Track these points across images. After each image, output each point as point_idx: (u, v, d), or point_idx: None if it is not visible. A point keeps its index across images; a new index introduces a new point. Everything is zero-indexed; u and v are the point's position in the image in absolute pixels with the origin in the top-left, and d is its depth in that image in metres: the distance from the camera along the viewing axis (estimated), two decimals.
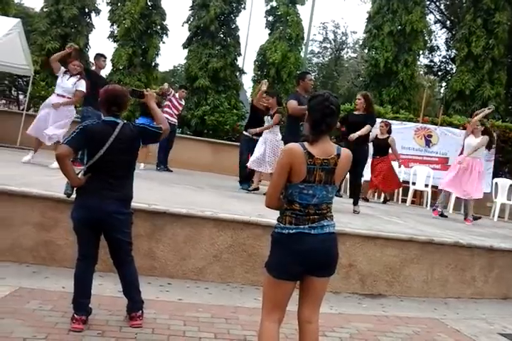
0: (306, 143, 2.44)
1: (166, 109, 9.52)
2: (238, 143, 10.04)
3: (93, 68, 7.92)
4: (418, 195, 11.29)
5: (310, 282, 2.50)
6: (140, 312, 3.24)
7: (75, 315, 3.04)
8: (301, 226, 2.41)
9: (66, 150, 3.02)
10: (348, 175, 7.22)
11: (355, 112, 7.29)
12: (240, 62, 18.62)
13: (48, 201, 4.22)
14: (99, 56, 8.20)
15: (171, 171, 9.78)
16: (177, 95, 9.94)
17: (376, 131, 10.12)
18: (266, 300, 2.54)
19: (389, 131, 9.78)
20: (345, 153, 2.50)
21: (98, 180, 3.11)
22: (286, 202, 2.47)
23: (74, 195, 3.18)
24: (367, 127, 6.77)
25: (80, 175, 3.15)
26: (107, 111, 3.21)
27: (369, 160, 9.90)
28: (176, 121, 9.98)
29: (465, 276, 5.16)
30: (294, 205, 2.43)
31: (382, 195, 10.39)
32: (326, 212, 2.47)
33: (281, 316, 2.54)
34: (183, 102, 10.31)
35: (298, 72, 17.19)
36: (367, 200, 9.67)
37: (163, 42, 17.31)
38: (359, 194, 7.24)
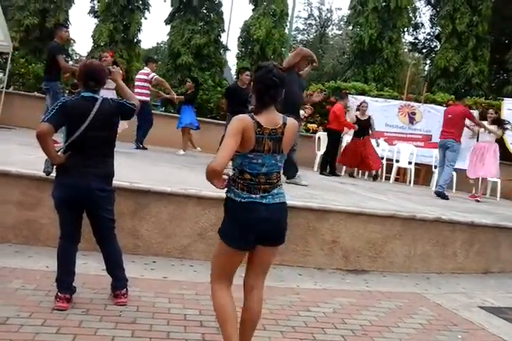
0: (252, 114, 2.47)
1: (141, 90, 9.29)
2: (223, 122, 9.97)
3: (55, 40, 7.54)
4: (402, 173, 11.36)
5: (258, 250, 2.52)
6: (124, 290, 3.24)
7: (59, 294, 3.03)
8: (253, 195, 2.43)
9: (46, 128, 2.95)
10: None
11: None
12: (224, 38, 18.41)
13: (27, 180, 4.15)
14: (61, 26, 7.91)
15: (146, 149, 9.59)
16: (149, 69, 9.57)
17: (355, 112, 10.18)
18: (215, 267, 2.58)
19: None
20: (291, 122, 2.53)
21: (78, 157, 3.06)
22: (237, 172, 2.49)
23: (54, 173, 3.13)
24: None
25: (59, 153, 3.10)
26: (85, 86, 3.14)
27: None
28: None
29: (446, 251, 5.24)
30: (245, 175, 2.45)
31: (371, 172, 10.45)
32: (276, 181, 2.50)
33: (230, 283, 2.56)
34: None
35: (283, 49, 17.09)
36: (352, 176, 9.78)
37: (145, 18, 17.11)
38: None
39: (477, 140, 9.05)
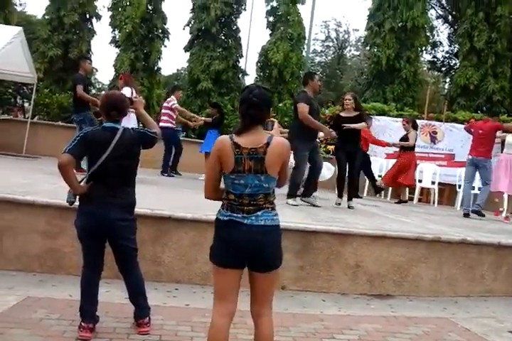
0: (234, 135, 2.49)
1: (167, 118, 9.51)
2: None
3: (80, 72, 7.81)
4: (425, 193, 11.22)
5: (252, 276, 2.51)
6: (147, 318, 3.24)
7: (82, 323, 3.04)
8: (235, 214, 2.44)
9: (68, 159, 3.01)
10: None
11: (344, 113, 7.22)
12: (242, 63, 18.69)
13: (52, 209, 4.23)
14: (85, 59, 8.18)
15: (180, 175, 9.77)
16: (173, 98, 9.79)
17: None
18: (214, 290, 2.57)
19: (414, 127, 9.66)
20: (278, 141, 2.50)
21: (100, 187, 3.10)
22: (225, 192, 2.52)
23: (77, 203, 3.18)
24: (362, 123, 6.85)
25: (82, 183, 3.15)
26: (107, 116, 3.21)
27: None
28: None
29: (474, 274, 5.11)
30: (229, 195, 2.48)
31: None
32: (262, 203, 2.47)
33: (231, 308, 2.50)
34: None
35: (301, 72, 17.23)
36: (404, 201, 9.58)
37: (165, 46, 17.49)
38: (354, 189, 7.23)
39: (501, 151, 8.88)
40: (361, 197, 9.68)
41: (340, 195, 7.19)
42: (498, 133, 8.50)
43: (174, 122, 9.64)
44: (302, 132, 6.54)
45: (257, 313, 2.55)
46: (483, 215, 7.87)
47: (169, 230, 4.43)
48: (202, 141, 11.00)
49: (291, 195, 6.68)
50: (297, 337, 3.44)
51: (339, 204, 7.05)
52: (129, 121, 6.72)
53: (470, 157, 8.26)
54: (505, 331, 4.07)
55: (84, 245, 3.16)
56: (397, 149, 9.83)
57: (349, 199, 7.10)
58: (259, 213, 2.44)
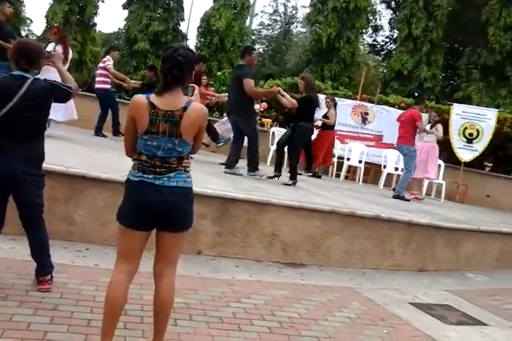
0: (152, 95, 2.43)
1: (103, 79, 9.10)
2: None
3: None
4: (352, 171, 11.53)
5: (160, 235, 2.49)
6: (49, 276, 3.13)
7: None
8: (145, 175, 2.40)
9: None
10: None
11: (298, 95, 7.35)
12: (183, 27, 18.17)
13: None
14: (3, 2, 7.60)
15: (105, 136, 9.43)
16: (110, 58, 9.36)
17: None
18: (117, 250, 2.54)
19: (335, 106, 9.92)
20: (195, 106, 2.46)
21: (5, 138, 2.92)
22: (137, 152, 2.47)
23: None
24: (292, 101, 6.91)
25: None
26: (16, 63, 3.01)
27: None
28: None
29: (384, 248, 5.34)
30: (142, 156, 2.44)
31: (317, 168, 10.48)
32: (175, 165, 2.44)
33: (132, 269, 2.49)
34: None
35: (241, 43, 17.02)
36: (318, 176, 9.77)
37: (103, 1, 16.60)
38: (292, 167, 7.26)
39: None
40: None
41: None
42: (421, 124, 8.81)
43: (110, 82, 9.26)
44: (249, 105, 6.70)
45: (159, 273, 2.52)
46: (408, 200, 8.12)
47: (83, 189, 4.27)
48: None
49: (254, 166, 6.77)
50: (204, 300, 3.46)
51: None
52: (49, 75, 6.37)
53: (396, 145, 8.72)
54: (405, 302, 4.30)
55: None
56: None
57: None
58: (171, 174, 2.41)
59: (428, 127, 9.07)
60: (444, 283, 5.25)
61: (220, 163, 7.81)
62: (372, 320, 3.69)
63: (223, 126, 8.91)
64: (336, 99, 11.83)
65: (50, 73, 4.26)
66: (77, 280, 3.39)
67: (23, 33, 21.87)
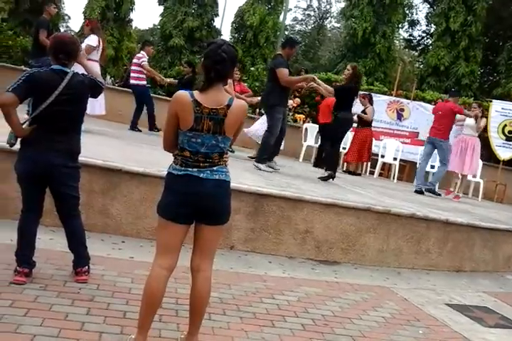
0: (195, 92, 2.41)
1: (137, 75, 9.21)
2: None
3: (44, 15, 7.50)
4: (386, 168, 11.37)
5: (199, 228, 2.49)
6: (86, 267, 3.18)
7: (18, 268, 2.97)
8: (190, 169, 2.40)
9: (11, 99, 2.83)
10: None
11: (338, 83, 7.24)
12: (217, 23, 18.21)
13: None
14: (50, 2, 7.82)
15: (140, 131, 9.55)
16: (144, 53, 9.46)
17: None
18: (157, 243, 2.55)
19: (371, 103, 9.79)
20: (238, 104, 2.46)
21: (43, 131, 2.97)
22: (179, 148, 2.47)
23: (18, 146, 3.04)
24: (329, 88, 6.76)
25: (24, 126, 3.00)
26: (55, 59, 3.05)
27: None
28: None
29: (420, 248, 5.23)
30: (185, 152, 2.43)
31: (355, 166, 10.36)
32: (217, 161, 2.46)
33: (172, 263, 2.50)
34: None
35: (275, 38, 16.94)
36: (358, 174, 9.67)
37: None
38: (330, 161, 7.14)
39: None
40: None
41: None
42: (459, 116, 8.57)
43: (145, 78, 9.37)
44: (280, 96, 6.57)
45: (196, 267, 2.54)
46: (439, 194, 8.03)
47: (120, 183, 4.32)
48: (170, 98, 10.76)
49: (263, 158, 6.64)
50: (237, 295, 3.46)
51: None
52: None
53: (428, 136, 8.47)
54: (441, 303, 4.21)
55: (24, 189, 3.05)
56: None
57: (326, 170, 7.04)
58: (214, 168, 2.43)
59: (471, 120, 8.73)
60: (482, 284, 5.12)
61: (249, 157, 7.81)
62: (407, 321, 3.62)
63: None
64: (372, 94, 11.70)
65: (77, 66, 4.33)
66: (113, 272, 3.43)
67: (62, 30, 22.35)
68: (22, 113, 3.17)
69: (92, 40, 6.99)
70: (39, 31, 7.29)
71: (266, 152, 6.71)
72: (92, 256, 3.31)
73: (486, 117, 9.71)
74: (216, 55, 2.39)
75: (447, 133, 8.16)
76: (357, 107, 9.33)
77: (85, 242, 3.21)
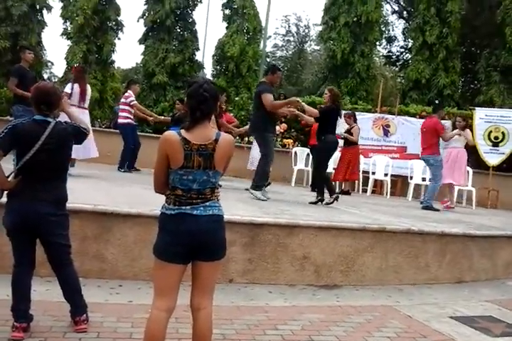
0: (182, 131, 2.48)
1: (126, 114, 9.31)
2: None
3: (21, 64, 7.57)
4: (378, 185, 11.42)
5: (197, 266, 2.52)
6: (84, 316, 3.17)
7: (15, 323, 2.95)
8: (183, 207, 2.44)
9: None
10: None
11: (322, 106, 7.35)
12: (199, 56, 18.50)
13: None
14: (24, 49, 7.90)
15: (139, 170, 9.55)
16: (131, 92, 9.58)
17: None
18: (154, 285, 2.56)
19: (355, 121, 9.95)
20: (225, 138, 2.53)
21: (29, 182, 3.00)
22: (170, 188, 2.50)
23: (4, 199, 3.07)
24: (313, 110, 6.86)
25: (10, 178, 3.04)
26: (37, 109, 3.11)
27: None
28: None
29: (419, 262, 5.24)
30: (177, 191, 2.48)
31: (343, 185, 10.42)
32: (209, 196, 2.51)
33: (171, 304, 2.51)
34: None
35: (256, 66, 17.21)
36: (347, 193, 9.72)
37: (119, 39, 17.07)
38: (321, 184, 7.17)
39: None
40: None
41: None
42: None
43: (133, 118, 9.47)
44: (267, 122, 6.66)
45: (197, 306, 2.55)
46: (437, 210, 8.03)
47: (113, 226, 4.34)
48: (158, 135, 10.83)
49: (259, 186, 6.66)
50: (240, 330, 3.44)
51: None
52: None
53: (420, 155, 8.64)
54: (445, 316, 4.19)
55: (14, 242, 3.06)
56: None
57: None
58: (206, 204, 2.47)
59: (454, 132, 8.88)
60: (484, 293, 5.11)
61: (246, 189, 7.84)
62: (413, 338, 3.60)
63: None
64: (356, 113, 11.85)
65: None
66: (113, 318, 3.42)
67: (46, 76, 22.65)
68: (8, 163, 3.21)
69: (67, 87, 7.21)
70: (9, 79, 7.41)
71: (262, 179, 6.75)
72: (89, 303, 3.30)
73: (471, 128, 9.82)
74: (199, 95, 2.47)
75: (434, 149, 8.25)
76: (341, 127, 9.44)
77: (80, 290, 3.20)
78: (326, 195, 6.79)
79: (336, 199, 6.70)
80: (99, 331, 3.17)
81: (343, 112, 9.62)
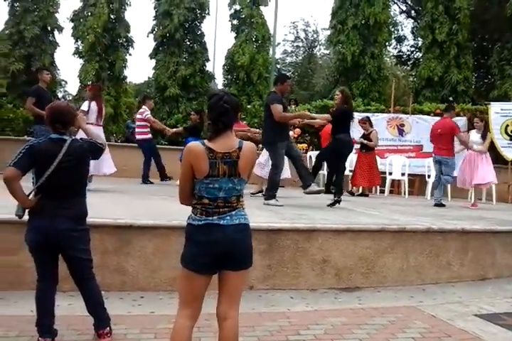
0: (205, 141, 2.53)
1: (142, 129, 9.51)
2: None
3: (39, 84, 7.82)
4: (396, 185, 11.34)
5: (224, 275, 2.54)
6: (107, 328, 3.20)
7: (40, 338, 3.01)
8: (210, 218, 2.47)
9: (13, 173, 2.96)
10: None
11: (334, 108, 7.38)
12: (210, 67, 18.69)
13: (9, 225, 4.14)
14: (42, 70, 8.17)
15: (152, 183, 9.72)
16: (146, 108, 9.74)
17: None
18: (180, 295, 2.59)
19: (371, 126, 9.96)
20: (248, 145, 2.57)
21: (49, 199, 3.06)
22: (196, 197, 2.53)
23: (26, 217, 3.14)
24: (324, 116, 6.84)
25: (30, 197, 3.11)
26: (53, 128, 3.18)
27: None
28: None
29: (440, 261, 5.18)
30: (203, 200, 2.51)
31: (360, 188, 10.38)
32: (236, 204, 2.54)
33: (195, 313, 2.55)
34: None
35: (267, 74, 17.29)
36: (352, 194, 9.74)
37: (130, 55, 17.37)
38: (337, 185, 7.14)
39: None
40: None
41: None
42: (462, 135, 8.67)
43: (150, 132, 9.66)
44: (277, 131, 6.64)
45: (224, 315, 2.56)
46: (444, 205, 8.11)
47: (132, 239, 4.38)
48: (173, 147, 10.98)
49: (271, 195, 6.68)
50: (262, 336, 3.44)
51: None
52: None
53: (433, 155, 8.59)
54: (470, 315, 4.14)
55: (37, 259, 3.12)
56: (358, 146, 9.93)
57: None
58: (233, 213, 2.50)
59: (474, 133, 8.78)
60: (509, 289, 5.02)
61: (252, 194, 7.84)
62: (438, 338, 3.56)
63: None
64: (369, 114, 11.82)
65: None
66: (136, 330, 3.45)
67: (60, 95, 23.07)
68: (28, 182, 3.28)
69: (84, 105, 7.31)
70: (27, 99, 7.61)
71: (273, 189, 6.76)
72: (112, 316, 3.33)
73: (486, 123, 9.67)
74: (220, 107, 2.52)
75: (451, 151, 8.29)
76: (356, 133, 9.44)
77: (103, 303, 3.25)
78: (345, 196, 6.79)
79: (338, 202, 6.75)
80: None
81: (358, 118, 9.65)
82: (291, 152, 6.81)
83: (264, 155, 7.98)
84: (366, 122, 9.92)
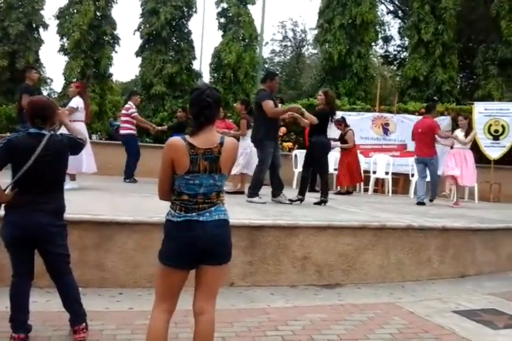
0: (187, 136, 2.50)
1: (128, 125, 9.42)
2: None
3: (27, 82, 7.82)
4: (380, 184, 11.40)
5: (202, 270, 2.53)
6: (83, 324, 3.17)
7: (13, 334, 2.97)
8: (189, 214, 2.45)
9: None
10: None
11: (317, 108, 7.34)
12: (196, 65, 18.62)
13: None
14: (30, 69, 8.19)
15: (136, 181, 9.62)
16: (131, 104, 9.67)
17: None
18: (157, 290, 2.59)
19: (346, 125, 10.00)
20: (230, 141, 2.56)
21: (27, 194, 3.03)
22: (176, 193, 2.51)
23: (2, 212, 3.10)
24: (312, 118, 6.83)
25: (7, 191, 3.07)
26: (32, 123, 3.14)
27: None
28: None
29: (421, 258, 5.22)
30: (183, 196, 2.49)
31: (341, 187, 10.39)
32: (215, 200, 2.52)
33: (171, 308, 2.55)
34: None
35: (254, 72, 17.28)
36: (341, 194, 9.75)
37: (116, 52, 17.21)
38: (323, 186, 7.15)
39: (451, 147, 9.07)
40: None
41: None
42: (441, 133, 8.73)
43: (135, 128, 9.58)
44: (268, 130, 6.63)
45: (200, 310, 2.55)
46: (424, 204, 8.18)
47: (112, 235, 4.36)
48: (157, 144, 10.92)
49: (255, 193, 6.68)
50: (240, 332, 3.44)
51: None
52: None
53: (416, 156, 8.62)
54: (448, 311, 4.18)
55: (13, 254, 3.08)
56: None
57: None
58: (212, 209, 2.49)
59: (459, 132, 8.85)
60: (488, 286, 5.08)
61: (227, 192, 7.77)
62: (415, 333, 3.59)
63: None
64: (355, 113, 11.89)
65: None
66: (112, 326, 3.42)
67: (45, 92, 22.85)
68: (8, 178, 3.24)
69: (74, 102, 7.20)
70: (21, 97, 7.54)
71: (257, 186, 6.76)
72: (90, 312, 3.31)
73: (470, 123, 9.75)
74: (202, 101, 2.49)
75: (433, 150, 8.36)
76: (332, 131, 9.45)
77: (80, 299, 3.22)
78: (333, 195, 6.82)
79: (324, 202, 6.79)
80: (99, 338, 3.19)
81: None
82: (275, 160, 6.80)
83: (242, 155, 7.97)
84: (342, 123, 9.99)
